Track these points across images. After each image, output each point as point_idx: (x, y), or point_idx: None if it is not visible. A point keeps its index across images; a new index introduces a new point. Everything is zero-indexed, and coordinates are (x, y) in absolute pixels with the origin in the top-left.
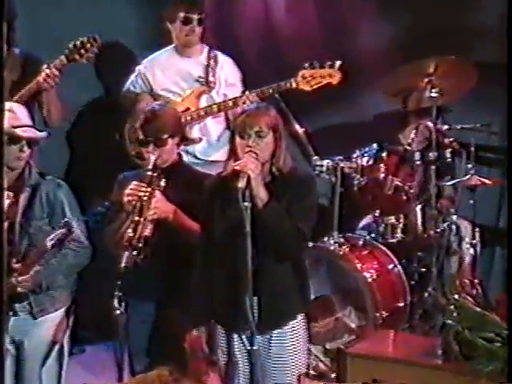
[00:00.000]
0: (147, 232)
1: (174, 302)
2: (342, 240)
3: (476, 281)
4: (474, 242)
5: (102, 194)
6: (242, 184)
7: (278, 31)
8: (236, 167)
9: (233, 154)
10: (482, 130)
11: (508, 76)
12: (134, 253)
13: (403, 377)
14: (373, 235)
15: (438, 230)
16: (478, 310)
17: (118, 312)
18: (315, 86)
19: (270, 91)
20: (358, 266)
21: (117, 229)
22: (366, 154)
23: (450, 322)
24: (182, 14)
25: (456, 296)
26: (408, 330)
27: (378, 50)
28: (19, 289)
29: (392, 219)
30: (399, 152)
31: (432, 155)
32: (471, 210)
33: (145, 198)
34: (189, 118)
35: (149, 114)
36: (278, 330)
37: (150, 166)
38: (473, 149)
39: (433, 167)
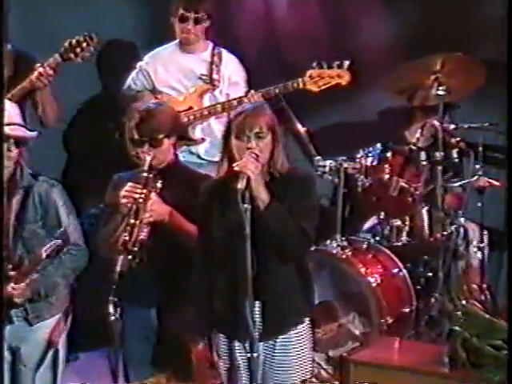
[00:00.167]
0: (143, 235)
1: (172, 307)
2: (345, 243)
3: (484, 286)
4: (482, 245)
5: (98, 196)
6: (241, 185)
7: (279, 28)
8: (235, 168)
9: (226, 155)
10: (490, 130)
11: (508, 76)
12: (130, 257)
13: None
14: (377, 238)
15: (445, 233)
16: (487, 316)
17: (113, 318)
18: (323, 87)
19: (276, 91)
20: (362, 270)
21: (111, 232)
22: (370, 154)
23: (457, 328)
24: (180, 12)
25: (463, 302)
26: (414, 337)
27: (383, 46)
28: (16, 299)
29: (397, 222)
30: (404, 152)
31: (438, 155)
32: (479, 212)
33: (140, 201)
34: (192, 117)
35: (144, 114)
36: (283, 336)
37: (146, 167)
38: (481, 149)
39: (439, 168)
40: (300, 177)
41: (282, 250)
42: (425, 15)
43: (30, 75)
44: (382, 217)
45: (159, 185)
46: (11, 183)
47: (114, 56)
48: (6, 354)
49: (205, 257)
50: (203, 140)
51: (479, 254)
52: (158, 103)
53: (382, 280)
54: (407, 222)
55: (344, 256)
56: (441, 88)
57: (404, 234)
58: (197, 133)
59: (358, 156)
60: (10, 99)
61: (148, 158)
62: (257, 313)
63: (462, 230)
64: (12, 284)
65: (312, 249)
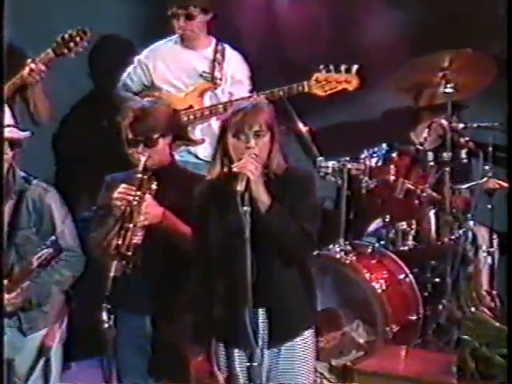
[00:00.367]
0: (137, 239)
1: (168, 315)
2: (348, 247)
3: (494, 292)
4: (492, 249)
5: (92, 198)
6: (240, 187)
7: (280, 24)
8: (234, 169)
9: (220, 155)
10: (500, 129)
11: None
12: (123, 262)
13: None
14: (382, 242)
15: (453, 237)
16: (497, 324)
17: (106, 325)
18: (329, 92)
19: (281, 93)
20: (367, 275)
21: (103, 235)
22: (374, 155)
23: (466, 337)
24: (172, 9)
25: (473, 309)
26: (420, 346)
27: (388, 42)
28: (8, 308)
29: (403, 225)
30: (411, 152)
31: (446, 156)
32: (489, 215)
33: (134, 203)
34: (191, 116)
35: (138, 112)
36: (288, 344)
37: (140, 168)
38: (490, 149)
39: (447, 169)
40: (298, 176)
41: (285, 252)
42: (431, 10)
43: (21, 71)
44: (387, 220)
45: (154, 186)
46: (3, 187)
47: (108, 52)
48: None
49: (202, 262)
50: (203, 141)
51: (489, 259)
52: (153, 101)
53: (387, 286)
54: (413, 226)
55: (348, 261)
56: (449, 86)
57: (410, 237)
58: (196, 133)
59: (362, 156)
60: None
61: (142, 159)
62: (261, 320)
63: (470, 233)
64: (4, 292)
65: (314, 253)
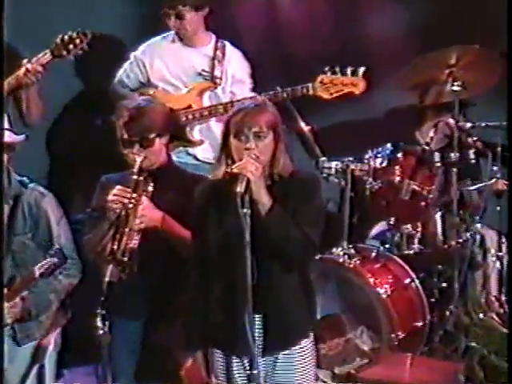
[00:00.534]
0: (133, 244)
1: (164, 321)
2: (352, 251)
3: (503, 298)
4: (501, 253)
5: (86, 200)
6: (240, 188)
7: (281, 19)
8: (234, 170)
9: (224, 156)
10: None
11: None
12: (118, 268)
13: None
14: (387, 246)
15: (461, 241)
16: (506, 331)
17: (101, 332)
18: (335, 95)
19: (284, 96)
20: (371, 280)
21: (98, 240)
22: (379, 155)
23: (474, 344)
24: (164, 8)
25: (481, 315)
26: (427, 354)
27: (393, 38)
28: (7, 319)
29: (408, 228)
30: (416, 152)
31: (453, 156)
32: (497, 217)
33: (130, 206)
34: (190, 117)
35: (133, 111)
36: (286, 352)
37: (136, 170)
38: (499, 149)
39: (454, 169)
40: (304, 179)
41: (284, 257)
42: (437, 5)
43: (16, 71)
44: (392, 222)
45: (150, 188)
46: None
47: (102, 52)
48: None
49: (201, 266)
50: (202, 142)
51: (497, 263)
52: (149, 100)
53: (392, 291)
54: (419, 229)
55: (351, 265)
56: (456, 83)
57: (416, 241)
58: (195, 134)
59: (366, 157)
60: None
61: (138, 160)
62: (257, 326)
63: (478, 236)
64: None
65: (316, 257)
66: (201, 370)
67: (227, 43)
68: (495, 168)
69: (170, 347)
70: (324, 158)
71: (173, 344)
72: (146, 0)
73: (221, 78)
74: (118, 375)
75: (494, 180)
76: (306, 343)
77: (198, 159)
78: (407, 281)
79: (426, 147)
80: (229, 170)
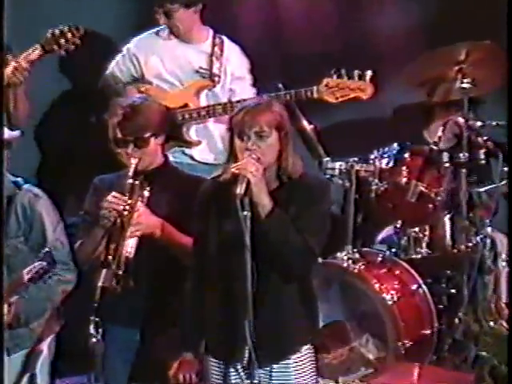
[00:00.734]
0: (128, 253)
1: (160, 328)
2: (356, 255)
3: None
4: None
5: (79, 201)
6: (240, 190)
7: (283, 15)
8: (234, 170)
9: (232, 157)
10: None
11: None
12: (113, 281)
13: None
14: (393, 250)
15: (470, 245)
16: None
17: (94, 340)
18: (341, 99)
19: (288, 98)
20: (376, 286)
21: (91, 250)
22: (385, 155)
23: (484, 353)
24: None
25: (491, 323)
26: (435, 363)
27: (400, 33)
28: None
29: (416, 231)
30: (424, 152)
31: (463, 156)
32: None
33: (125, 213)
34: (187, 116)
35: (128, 110)
36: (282, 363)
37: (131, 173)
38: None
39: (463, 170)
40: (310, 184)
41: (283, 266)
42: None
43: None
44: (398, 226)
45: (147, 193)
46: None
47: (92, 49)
48: None
49: (199, 271)
50: (199, 143)
51: (508, 268)
52: (144, 98)
53: (398, 297)
54: (427, 232)
55: (356, 270)
56: (465, 80)
57: (424, 245)
58: (191, 134)
59: (372, 157)
60: None
61: (133, 163)
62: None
63: (488, 240)
64: None
65: (319, 262)
66: (190, 368)
67: (225, 38)
68: (506, 169)
69: (166, 356)
70: (327, 159)
71: (170, 353)
72: None
73: (219, 76)
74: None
75: (504, 181)
76: (304, 353)
77: (194, 159)
78: (414, 287)
79: (434, 147)
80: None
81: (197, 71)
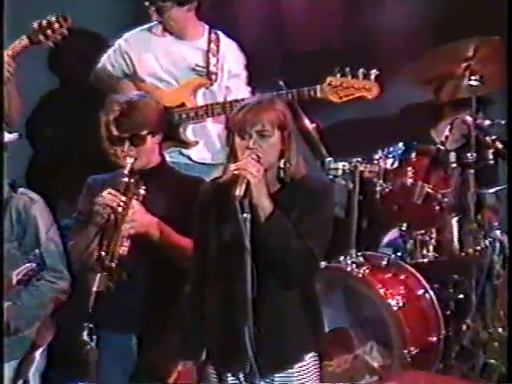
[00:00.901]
0: (122, 250)
1: (157, 334)
2: (361, 259)
3: None
4: None
5: (72, 203)
6: (239, 191)
7: (284, 10)
8: (233, 171)
9: (232, 157)
10: None
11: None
12: (105, 274)
13: None
14: (399, 254)
15: (479, 248)
16: None
17: (87, 347)
18: (345, 99)
19: (289, 97)
20: (381, 291)
21: (84, 246)
22: (390, 155)
23: (492, 361)
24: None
25: (500, 330)
26: (442, 371)
27: (406, 28)
28: None
29: (422, 234)
30: (431, 152)
31: (470, 156)
32: None
33: (120, 210)
34: (184, 115)
35: (125, 106)
36: (283, 373)
37: (126, 171)
38: None
39: (471, 171)
40: (313, 187)
41: (283, 271)
42: None
43: None
44: (404, 228)
45: (142, 191)
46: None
47: (81, 45)
48: None
49: (199, 276)
50: (197, 143)
51: (508, 270)
52: (142, 95)
53: (404, 303)
54: (434, 235)
55: (360, 274)
56: (473, 78)
57: (430, 248)
58: (188, 134)
59: (376, 157)
60: None
61: (129, 161)
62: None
63: (497, 244)
64: None
65: (322, 266)
66: (190, 376)
67: (221, 34)
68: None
69: (166, 364)
70: (330, 159)
71: (169, 360)
72: None
73: (216, 74)
74: None
75: None
76: (308, 362)
77: (192, 160)
78: (420, 292)
79: (441, 147)
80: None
81: (193, 69)
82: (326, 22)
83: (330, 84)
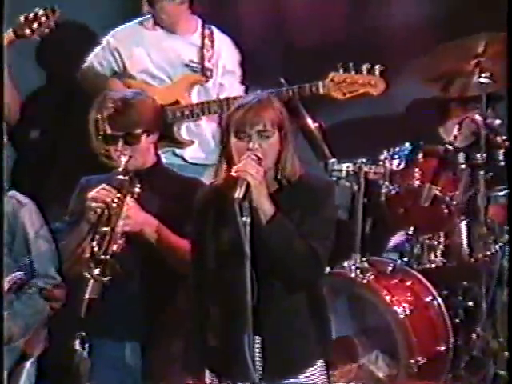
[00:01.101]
0: (116, 247)
1: (153, 342)
2: (365, 265)
3: None
4: None
5: (63, 206)
6: (239, 194)
7: (285, 4)
8: (233, 173)
9: (225, 158)
10: None
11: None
12: (97, 271)
13: None
14: (405, 259)
15: (489, 253)
16: None
17: (80, 356)
18: (349, 95)
19: (290, 94)
20: (387, 298)
21: (76, 244)
22: (396, 156)
23: (503, 372)
24: None
25: None
26: (451, 382)
27: (413, 23)
28: None
29: (430, 238)
30: (439, 153)
31: (480, 157)
32: None
33: (114, 205)
34: (179, 114)
35: (119, 104)
36: (291, 381)
37: (121, 169)
38: None
39: (481, 172)
40: (314, 186)
41: (287, 275)
42: None
43: None
44: (410, 232)
45: (137, 189)
46: None
47: (69, 40)
48: None
49: (196, 282)
50: (192, 143)
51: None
52: (137, 92)
53: (411, 310)
54: (442, 239)
55: (364, 281)
56: (483, 75)
57: (438, 253)
58: (182, 133)
59: (382, 158)
60: None
61: (123, 160)
62: (257, 350)
63: (508, 249)
64: None
65: (325, 272)
66: None
67: (214, 29)
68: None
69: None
70: (334, 160)
71: (166, 368)
72: None
73: (211, 70)
74: None
75: None
76: (314, 371)
77: (185, 160)
78: (428, 299)
79: (450, 147)
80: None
81: (187, 65)
82: (329, 18)
83: (332, 80)
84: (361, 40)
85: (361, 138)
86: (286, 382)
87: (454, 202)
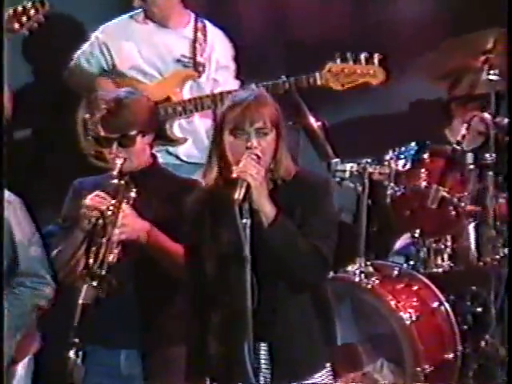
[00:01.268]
0: (111, 257)
1: (150, 350)
2: (370, 269)
3: None
4: None
5: (56, 208)
6: (238, 195)
7: None
8: (234, 174)
9: (217, 157)
10: None
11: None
12: (94, 283)
13: None
14: (411, 263)
15: (497, 257)
16: None
17: (73, 364)
18: (348, 86)
19: (286, 86)
20: (392, 303)
21: (71, 253)
22: (401, 156)
23: None
24: None
25: None
26: None
27: (418, 18)
28: None
29: (436, 241)
30: (446, 153)
31: (489, 157)
32: None
33: (109, 213)
34: (171, 111)
35: (112, 105)
36: None
37: (115, 173)
38: None
39: (490, 173)
40: (311, 183)
41: (292, 276)
42: None
43: None
44: (417, 235)
45: (133, 194)
46: None
47: (57, 35)
48: None
49: (195, 285)
50: (185, 140)
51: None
52: (131, 92)
53: (417, 316)
54: (449, 243)
55: (369, 285)
56: (492, 72)
57: (445, 257)
58: (175, 130)
59: (387, 158)
60: None
61: (118, 162)
62: (263, 357)
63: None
64: None
65: (329, 276)
66: None
67: (207, 22)
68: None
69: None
70: (337, 160)
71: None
72: None
73: (204, 65)
74: None
75: None
76: (322, 377)
77: (180, 159)
78: (435, 304)
79: (457, 147)
80: (225, 174)
81: (178, 60)
82: (333, 14)
83: (330, 70)
84: (365, 36)
85: (365, 138)
86: None
87: (462, 204)
